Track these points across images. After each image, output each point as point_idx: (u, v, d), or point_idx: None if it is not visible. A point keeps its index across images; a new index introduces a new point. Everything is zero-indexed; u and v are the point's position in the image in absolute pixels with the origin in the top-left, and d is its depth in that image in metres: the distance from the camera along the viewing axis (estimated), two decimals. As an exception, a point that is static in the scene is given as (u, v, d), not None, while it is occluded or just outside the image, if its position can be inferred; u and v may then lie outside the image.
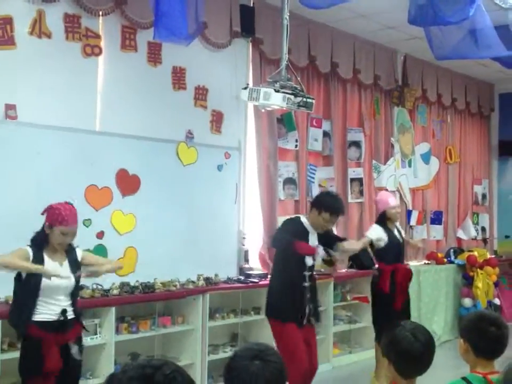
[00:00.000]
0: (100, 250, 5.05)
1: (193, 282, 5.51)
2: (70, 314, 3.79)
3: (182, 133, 5.69)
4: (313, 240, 4.60)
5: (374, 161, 7.83)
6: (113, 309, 4.77)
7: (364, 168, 7.68)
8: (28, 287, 3.68)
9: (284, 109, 5.04)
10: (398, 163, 8.26)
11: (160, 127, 5.47)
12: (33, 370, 3.66)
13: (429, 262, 8.50)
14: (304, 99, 4.63)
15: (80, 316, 3.97)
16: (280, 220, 6.45)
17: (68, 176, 4.83)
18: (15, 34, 4.58)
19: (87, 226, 4.95)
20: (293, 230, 4.53)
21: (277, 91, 4.46)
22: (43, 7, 4.72)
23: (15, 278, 3.72)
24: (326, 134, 7.17)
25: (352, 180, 7.57)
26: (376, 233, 5.73)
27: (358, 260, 7.12)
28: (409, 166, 8.48)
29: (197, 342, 5.38)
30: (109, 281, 4.99)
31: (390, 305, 5.50)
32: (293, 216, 4.96)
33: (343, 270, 7.25)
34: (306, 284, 4.56)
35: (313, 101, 4.86)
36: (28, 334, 3.67)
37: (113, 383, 1.36)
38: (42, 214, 3.81)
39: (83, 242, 4.79)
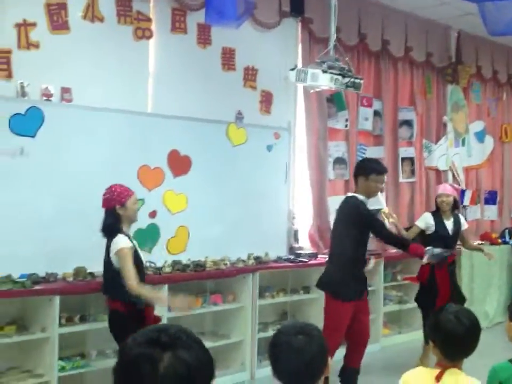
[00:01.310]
0: (153, 229, 5.22)
1: (243, 261, 5.63)
2: None
3: (231, 113, 5.78)
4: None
5: (425, 140, 7.76)
6: (165, 287, 4.94)
7: (415, 147, 7.62)
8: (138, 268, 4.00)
9: (332, 89, 5.06)
10: (451, 142, 8.15)
11: (210, 108, 5.56)
12: None
13: (483, 242, 8.39)
14: (352, 79, 4.65)
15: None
16: (331, 199, 6.53)
17: (121, 157, 4.99)
18: (69, 19, 4.74)
19: (140, 206, 5.11)
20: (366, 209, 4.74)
21: (324, 72, 4.50)
22: (96, -8, 4.86)
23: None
24: (376, 113, 7.14)
25: (403, 159, 7.53)
26: (423, 221, 5.78)
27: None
28: (463, 144, 8.36)
29: (247, 320, 5.51)
30: (161, 259, 5.17)
31: (434, 295, 5.53)
32: (348, 195, 4.98)
33: (393, 250, 7.26)
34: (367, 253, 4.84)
35: (362, 81, 4.87)
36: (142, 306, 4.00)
37: (124, 350, 1.43)
38: (105, 205, 4.04)
39: (137, 221, 5.01)
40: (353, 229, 4.69)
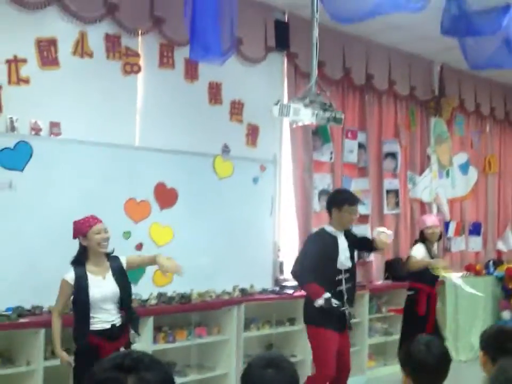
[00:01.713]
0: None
1: (228, 293, 5.72)
2: (118, 322, 4.08)
3: (218, 146, 5.91)
4: (343, 242, 4.88)
5: (409, 172, 7.94)
6: (151, 319, 5.01)
7: (399, 179, 7.79)
8: (79, 304, 4.02)
9: (314, 124, 5.23)
10: (435, 174, 8.34)
11: (197, 141, 5.69)
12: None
13: (467, 273, 8.54)
14: (333, 114, 4.82)
15: (129, 323, 4.22)
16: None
17: (108, 190, 5.09)
18: (59, 55, 4.87)
19: (126, 239, 5.21)
20: (319, 245, 4.79)
21: (306, 107, 4.66)
22: (85, 29, 5.01)
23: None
24: (361, 146, 7.32)
25: (388, 191, 7.69)
26: (421, 253, 5.92)
27: (393, 271, 7.33)
28: (447, 176, 8.54)
29: (231, 352, 5.58)
30: (147, 291, 5.25)
31: (423, 327, 5.63)
32: (316, 229, 5.14)
33: (379, 282, 7.39)
34: (342, 288, 4.77)
35: (343, 116, 5.05)
36: (85, 342, 3.97)
37: (92, 376, 1.53)
38: (74, 237, 4.13)
39: (122, 253, 5.06)
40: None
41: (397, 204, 7.75)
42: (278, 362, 2.17)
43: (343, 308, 4.79)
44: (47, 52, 4.81)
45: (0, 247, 4.54)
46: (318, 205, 6.82)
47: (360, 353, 6.73)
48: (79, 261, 4.09)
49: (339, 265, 4.83)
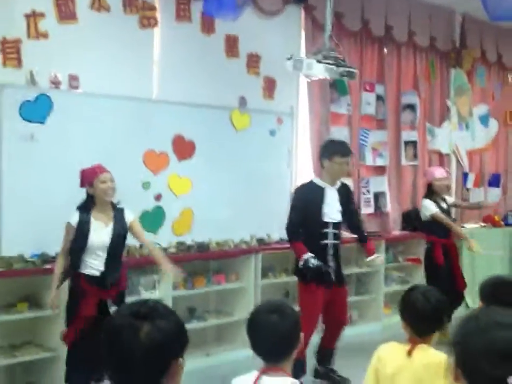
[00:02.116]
0: (158, 211, 5.41)
1: (246, 242, 5.82)
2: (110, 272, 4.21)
3: (235, 99, 5.93)
4: (332, 195, 4.84)
5: (428, 124, 7.87)
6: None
7: (418, 131, 7.74)
8: (76, 246, 4.19)
9: (327, 78, 5.21)
10: (454, 126, 8.25)
11: (214, 94, 5.71)
12: (71, 313, 4.16)
13: (485, 225, 8.53)
14: (346, 69, 4.79)
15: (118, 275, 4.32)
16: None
17: (127, 142, 5.17)
18: (76, 9, 4.90)
19: (145, 189, 5.31)
20: (304, 197, 4.79)
21: (318, 62, 4.63)
22: (102, -18, 5.02)
23: None
24: (379, 98, 7.26)
25: (406, 143, 7.65)
26: (433, 206, 5.91)
27: (411, 222, 7.34)
28: (467, 128, 8.44)
29: (249, 299, 5.71)
30: (166, 240, 5.37)
31: (446, 278, 5.68)
32: (304, 182, 5.11)
33: (396, 232, 7.42)
34: (328, 241, 4.79)
35: (356, 71, 5.01)
36: (74, 283, 4.18)
37: (110, 321, 1.65)
38: (81, 186, 4.26)
39: (142, 204, 5.23)
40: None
41: (415, 156, 7.71)
42: (282, 309, 2.29)
43: (324, 265, 4.71)
44: (65, 6, 4.83)
45: (24, 196, 4.67)
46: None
47: (376, 301, 6.85)
48: (85, 207, 4.23)
49: (325, 218, 4.77)
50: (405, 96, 7.58)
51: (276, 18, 6.15)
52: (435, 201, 5.93)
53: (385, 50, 7.28)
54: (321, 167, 4.96)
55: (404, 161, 7.60)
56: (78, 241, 4.17)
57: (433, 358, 2.54)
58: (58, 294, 4.22)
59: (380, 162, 7.31)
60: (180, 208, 5.56)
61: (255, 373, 2.29)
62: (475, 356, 1.35)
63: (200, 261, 5.52)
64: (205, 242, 5.53)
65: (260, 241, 5.90)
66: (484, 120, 8.77)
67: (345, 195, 4.99)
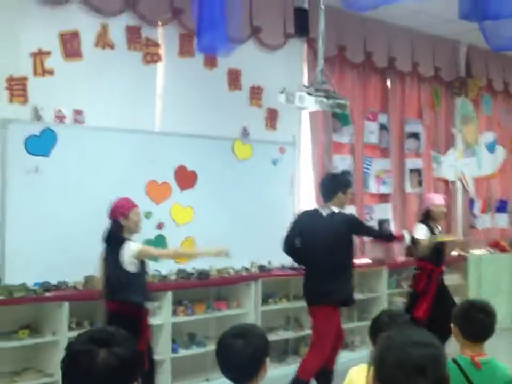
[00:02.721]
0: (160, 240, 5.47)
1: (247, 269, 5.85)
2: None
3: (237, 130, 5.99)
4: None
5: (433, 152, 7.84)
6: (170, 293, 5.18)
7: (423, 158, 7.71)
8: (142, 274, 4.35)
9: (319, 110, 5.26)
10: (460, 153, 8.21)
11: (216, 125, 5.78)
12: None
13: (493, 250, 8.44)
14: (337, 101, 4.83)
15: None
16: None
17: (130, 174, 5.25)
18: (81, 47, 5.02)
19: (148, 219, 5.36)
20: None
21: (310, 94, 4.68)
22: (106, 21, 5.13)
23: None
24: (383, 127, 7.27)
25: (411, 170, 7.63)
26: (424, 233, 5.82)
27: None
28: (473, 155, 8.40)
29: (250, 325, 5.71)
30: (167, 268, 5.42)
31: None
32: (332, 209, 5.12)
33: (400, 258, 7.37)
34: None
35: (347, 102, 5.04)
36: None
37: (69, 346, 1.70)
38: (110, 216, 4.32)
39: (144, 233, 5.24)
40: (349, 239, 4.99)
41: (420, 183, 7.68)
42: (247, 333, 2.35)
43: None
44: (70, 44, 4.96)
45: (29, 227, 4.76)
46: (338, 185, 6.82)
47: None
48: (124, 237, 4.30)
49: None
50: (409, 125, 7.57)
51: (278, 52, 6.22)
52: (430, 228, 5.84)
53: (388, 81, 7.30)
54: (330, 199, 5.02)
55: (408, 189, 7.57)
56: (143, 269, 4.35)
57: None
58: None
59: (383, 189, 7.30)
60: (181, 237, 5.61)
61: None
62: (392, 369, 1.51)
63: (200, 288, 5.55)
64: (205, 269, 5.57)
65: (261, 268, 5.92)
66: (491, 147, 8.70)
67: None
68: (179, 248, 4.75)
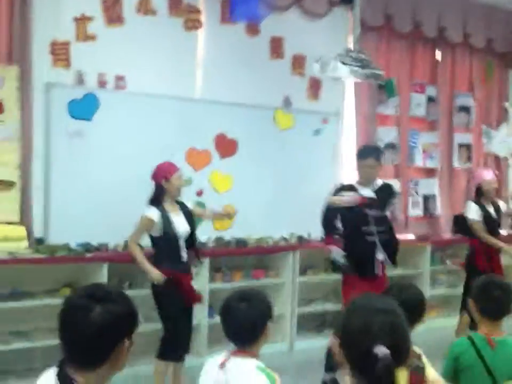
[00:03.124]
0: (200, 207, 5.51)
1: (285, 239, 5.87)
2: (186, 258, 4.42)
3: (279, 99, 5.98)
4: (365, 193, 4.73)
5: (484, 127, 7.65)
6: (207, 260, 5.25)
7: (473, 133, 7.54)
8: (168, 239, 4.34)
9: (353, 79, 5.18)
10: (513, 128, 7.98)
11: (257, 94, 5.78)
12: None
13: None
14: (372, 71, 4.76)
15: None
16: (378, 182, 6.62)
17: (170, 140, 5.32)
18: (123, 13, 5.10)
19: (188, 185, 5.43)
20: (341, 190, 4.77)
21: (343, 64, 4.64)
22: (149, -13, 5.20)
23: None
24: (430, 100, 7.13)
25: (460, 145, 7.47)
26: (475, 212, 5.72)
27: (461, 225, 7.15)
28: (527, 131, 8.15)
29: (287, 295, 5.76)
30: (206, 235, 5.49)
31: None
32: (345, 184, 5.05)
33: (446, 235, 7.25)
34: (373, 238, 4.69)
35: (382, 73, 4.98)
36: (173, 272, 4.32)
37: (67, 300, 1.78)
38: (153, 179, 4.38)
39: (185, 199, 5.32)
40: None
41: (469, 159, 7.52)
42: (252, 298, 2.43)
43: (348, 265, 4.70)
44: (112, 10, 5.05)
45: (73, 189, 4.91)
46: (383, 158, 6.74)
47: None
48: (158, 201, 4.36)
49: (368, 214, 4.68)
50: (459, 98, 7.40)
51: (322, 20, 6.14)
52: (482, 206, 5.72)
53: (438, 52, 7.14)
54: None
55: (456, 164, 7.42)
56: (169, 232, 4.31)
57: None
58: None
59: (430, 164, 7.18)
60: (221, 204, 5.65)
61: (225, 354, 2.41)
62: (355, 335, 1.58)
63: (239, 256, 5.60)
64: (243, 238, 5.61)
65: (300, 239, 5.92)
66: (546, 123, 8.41)
67: (387, 194, 4.91)
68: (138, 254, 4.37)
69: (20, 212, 4.67)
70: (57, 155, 4.85)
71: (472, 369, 2.74)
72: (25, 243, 4.62)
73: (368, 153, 4.80)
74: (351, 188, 4.81)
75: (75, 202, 4.90)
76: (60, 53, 4.84)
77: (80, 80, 4.92)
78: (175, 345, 4.34)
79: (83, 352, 1.72)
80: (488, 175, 5.90)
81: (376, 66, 4.91)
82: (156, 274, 4.25)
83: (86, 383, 1.73)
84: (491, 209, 5.80)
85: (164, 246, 4.32)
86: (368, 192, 4.81)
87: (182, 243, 4.36)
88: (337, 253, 4.63)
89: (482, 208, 5.76)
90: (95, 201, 4.96)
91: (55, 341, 4.43)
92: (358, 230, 4.66)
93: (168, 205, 4.39)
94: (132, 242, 4.37)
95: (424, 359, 2.53)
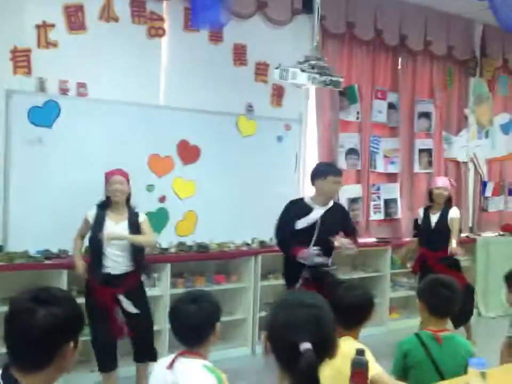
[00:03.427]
0: (162, 213, 5.59)
1: (248, 244, 5.94)
2: (119, 270, 4.40)
3: (242, 106, 6.05)
4: (314, 214, 4.75)
5: (444, 132, 7.81)
6: (169, 265, 5.31)
7: (433, 139, 7.69)
8: (94, 241, 4.42)
9: (313, 87, 5.27)
10: (473, 134, 8.17)
11: (220, 101, 5.84)
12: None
13: (504, 233, 8.41)
14: (330, 78, 4.84)
15: (139, 269, 4.56)
16: (342, 190, 6.73)
17: (132, 146, 5.36)
18: (85, 20, 5.11)
19: (150, 191, 5.50)
20: (294, 211, 4.79)
21: (302, 71, 4.72)
22: (111, -6, 5.22)
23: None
24: (392, 106, 7.27)
25: (420, 150, 7.63)
26: (420, 218, 6.03)
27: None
28: (486, 137, 8.34)
29: (249, 299, 5.83)
30: (168, 241, 5.54)
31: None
32: (296, 198, 5.11)
33: (407, 239, 7.39)
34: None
35: (341, 80, 5.06)
36: (99, 277, 4.37)
37: (12, 302, 1.83)
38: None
39: (147, 205, 5.38)
40: None
41: (430, 163, 7.68)
42: (200, 299, 2.50)
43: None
44: (74, 17, 5.06)
45: (32, 197, 4.91)
46: (344, 163, 6.87)
47: (381, 306, 6.85)
48: (103, 205, 4.51)
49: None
50: (420, 104, 7.55)
51: (285, 28, 6.24)
52: (426, 211, 5.94)
53: (399, 59, 7.28)
54: (314, 186, 4.89)
55: (417, 169, 7.58)
56: (94, 237, 4.43)
57: (352, 350, 2.61)
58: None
59: (391, 169, 7.32)
60: (183, 210, 5.72)
61: (173, 355, 2.50)
62: (280, 329, 1.61)
63: (200, 261, 5.66)
64: (205, 243, 5.67)
65: (262, 243, 6.00)
66: (506, 128, 8.63)
67: (341, 213, 4.99)
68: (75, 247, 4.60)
69: (-22, 219, 4.67)
70: (16, 162, 4.85)
71: (421, 366, 2.84)
72: (-17, 251, 4.62)
73: (340, 170, 4.91)
74: (305, 206, 4.81)
75: (34, 210, 4.91)
76: (21, 60, 4.83)
77: (41, 87, 4.92)
78: (96, 354, 4.41)
79: (27, 354, 1.76)
80: (439, 181, 6.05)
81: (336, 73, 4.99)
82: (78, 265, 4.46)
83: None
84: (433, 218, 5.91)
85: (91, 249, 4.45)
86: (320, 212, 4.81)
87: (108, 251, 4.38)
88: (309, 254, 4.62)
89: (425, 215, 5.95)
90: (54, 208, 4.96)
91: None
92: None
93: (111, 212, 4.48)
94: (75, 237, 4.58)
95: (369, 354, 2.58)
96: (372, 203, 7.18)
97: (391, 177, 7.35)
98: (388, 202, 7.32)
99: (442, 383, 2.74)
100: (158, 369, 2.53)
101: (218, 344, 5.84)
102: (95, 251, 4.40)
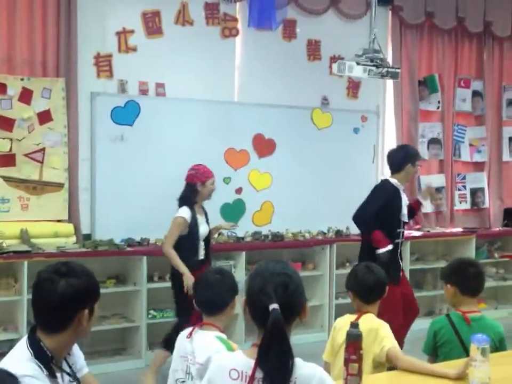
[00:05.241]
0: (239, 204, 5.63)
1: (324, 233, 5.84)
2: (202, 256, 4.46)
3: (317, 99, 5.96)
4: (404, 197, 4.64)
5: (536, 120, 7.26)
6: (243, 254, 5.33)
7: (525, 126, 7.17)
8: (192, 238, 4.37)
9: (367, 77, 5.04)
10: None
11: (295, 95, 5.78)
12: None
13: None
14: (387, 69, 4.65)
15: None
16: (423, 179, 6.45)
17: (209, 141, 5.42)
18: (162, 25, 5.25)
19: (227, 184, 5.55)
20: (386, 197, 4.54)
21: (358, 64, 4.57)
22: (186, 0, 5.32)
23: None
24: (477, 94, 6.85)
25: (510, 138, 7.14)
26: None
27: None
28: None
29: (325, 287, 5.74)
30: (244, 230, 5.57)
31: None
32: (380, 181, 4.90)
33: (496, 228, 6.96)
34: (399, 241, 4.63)
35: (399, 70, 4.83)
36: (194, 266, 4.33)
37: (39, 274, 2.02)
38: (187, 180, 4.46)
39: (224, 197, 5.44)
40: None
41: (522, 152, 7.16)
42: (223, 271, 2.74)
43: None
44: (151, 22, 5.21)
45: (116, 190, 5.11)
46: (426, 153, 6.56)
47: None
48: (191, 202, 4.41)
49: (402, 217, 4.60)
50: (508, 91, 7.05)
51: (359, 21, 6.05)
52: None
53: (484, 46, 6.84)
54: (399, 170, 4.63)
55: (506, 157, 7.10)
56: (193, 232, 4.36)
57: (374, 325, 2.73)
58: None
59: (478, 158, 6.91)
60: (260, 201, 5.72)
61: (193, 327, 2.64)
62: (255, 294, 1.75)
63: (275, 250, 5.64)
64: (279, 232, 5.64)
65: (338, 233, 5.88)
66: None
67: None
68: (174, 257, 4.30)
69: (68, 210, 4.93)
70: (102, 158, 5.07)
71: (449, 345, 2.83)
72: (73, 239, 4.88)
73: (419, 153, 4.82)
74: (394, 188, 4.60)
75: (118, 202, 5.10)
76: (103, 64, 5.05)
77: (122, 88, 5.12)
78: (173, 335, 4.37)
79: (48, 318, 1.97)
80: None
81: (393, 64, 4.82)
82: (189, 278, 4.18)
83: (51, 345, 1.95)
84: None
85: (187, 244, 4.38)
86: (404, 194, 4.68)
87: (201, 243, 4.42)
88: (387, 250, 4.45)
89: None
90: (137, 200, 5.13)
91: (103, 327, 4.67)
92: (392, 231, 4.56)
93: (197, 207, 4.47)
94: (168, 246, 4.32)
95: (388, 330, 2.73)
96: (457, 192, 6.81)
97: (478, 166, 6.94)
98: (474, 192, 6.92)
99: (448, 363, 2.68)
100: (180, 339, 2.68)
101: (296, 329, 5.84)
102: (194, 245, 4.37)
